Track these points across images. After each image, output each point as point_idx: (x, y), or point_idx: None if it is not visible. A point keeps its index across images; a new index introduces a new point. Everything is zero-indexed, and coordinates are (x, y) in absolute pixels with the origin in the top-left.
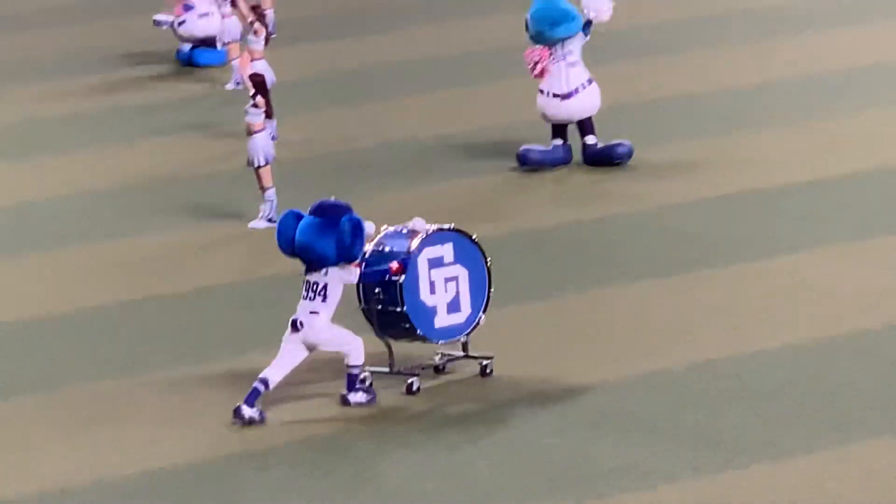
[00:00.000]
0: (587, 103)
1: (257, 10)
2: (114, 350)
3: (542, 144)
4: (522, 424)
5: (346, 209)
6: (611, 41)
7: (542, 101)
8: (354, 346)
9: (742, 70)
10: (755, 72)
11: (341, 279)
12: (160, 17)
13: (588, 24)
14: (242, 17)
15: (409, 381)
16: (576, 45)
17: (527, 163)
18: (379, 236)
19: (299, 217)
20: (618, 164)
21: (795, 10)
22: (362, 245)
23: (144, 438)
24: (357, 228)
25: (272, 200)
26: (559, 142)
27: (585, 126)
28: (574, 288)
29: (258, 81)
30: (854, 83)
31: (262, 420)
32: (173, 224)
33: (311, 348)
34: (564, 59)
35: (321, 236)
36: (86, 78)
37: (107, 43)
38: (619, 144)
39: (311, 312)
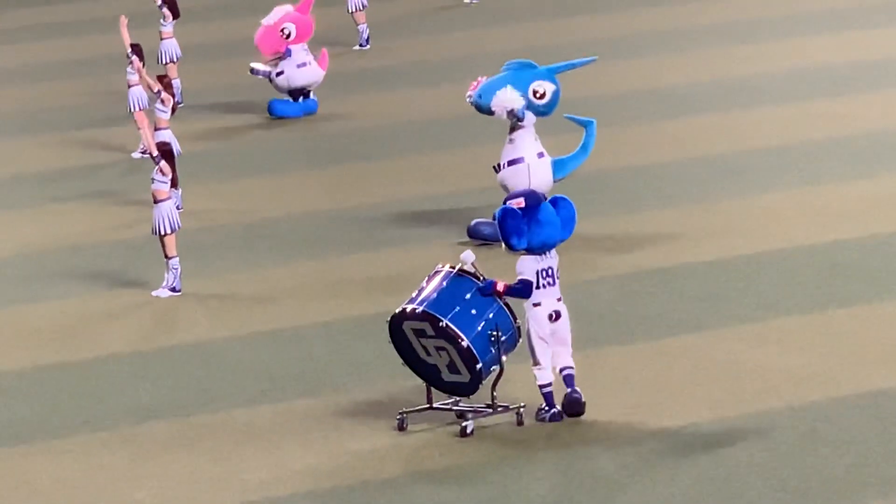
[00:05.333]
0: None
1: (164, 80)
2: (12, 416)
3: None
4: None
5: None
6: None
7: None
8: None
9: (644, 149)
10: (657, 150)
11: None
12: (258, 66)
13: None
14: (148, 86)
15: (463, 424)
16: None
17: (476, 236)
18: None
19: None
20: None
21: (698, 91)
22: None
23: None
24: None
25: (176, 269)
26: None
27: None
28: None
29: (165, 150)
30: (756, 164)
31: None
32: (76, 291)
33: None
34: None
35: (549, 223)
36: None
37: (5, 108)
38: None
39: (557, 300)
